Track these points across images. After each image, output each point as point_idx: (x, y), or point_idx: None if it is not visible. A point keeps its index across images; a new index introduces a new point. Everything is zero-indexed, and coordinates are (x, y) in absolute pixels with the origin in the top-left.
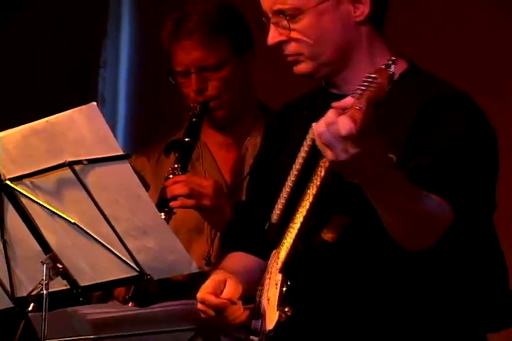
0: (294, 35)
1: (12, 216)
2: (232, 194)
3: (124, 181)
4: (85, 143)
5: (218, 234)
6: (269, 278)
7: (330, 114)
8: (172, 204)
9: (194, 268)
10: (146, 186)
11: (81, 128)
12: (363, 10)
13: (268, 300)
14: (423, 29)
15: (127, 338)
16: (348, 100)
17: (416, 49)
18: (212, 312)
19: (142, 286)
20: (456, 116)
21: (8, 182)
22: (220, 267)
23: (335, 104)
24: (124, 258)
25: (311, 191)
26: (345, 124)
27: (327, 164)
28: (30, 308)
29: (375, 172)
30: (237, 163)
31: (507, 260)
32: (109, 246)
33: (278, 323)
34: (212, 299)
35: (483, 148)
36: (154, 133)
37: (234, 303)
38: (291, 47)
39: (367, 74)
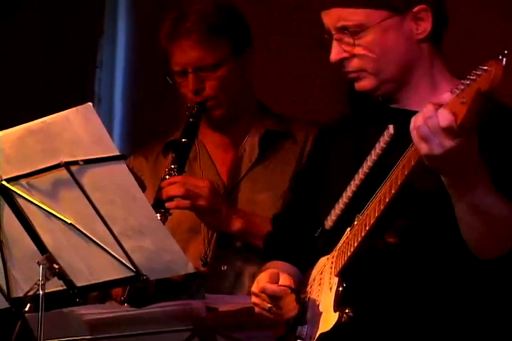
0: (357, 51)
1: (8, 216)
2: (229, 194)
3: (120, 181)
4: (81, 144)
5: (215, 234)
6: (320, 284)
7: (428, 108)
8: (168, 205)
9: (190, 268)
10: (143, 186)
11: (77, 129)
12: (425, 27)
13: (318, 305)
14: None
15: (124, 338)
16: (446, 96)
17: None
18: (267, 304)
19: (138, 288)
20: None
21: (4, 182)
22: (268, 267)
23: (432, 100)
24: (120, 259)
25: (389, 191)
26: (444, 117)
27: (411, 164)
28: (26, 309)
29: (465, 168)
30: (235, 163)
31: None
32: (106, 247)
33: (338, 324)
34: (274, 287)
35: None
36: (150, 134)
37: (293, 290)
38: (354, 64)
39: (478, 66)
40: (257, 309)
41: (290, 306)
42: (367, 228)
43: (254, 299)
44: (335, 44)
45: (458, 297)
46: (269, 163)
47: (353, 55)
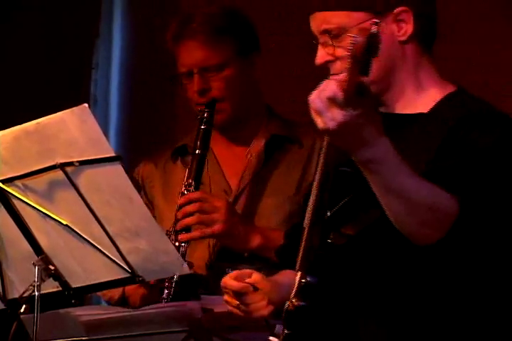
0: (338, 53)
1: (4, 218)
2: (236, 200)
3: (116, 182)
4: (77, 145)
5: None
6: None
7: (323, 83)
8: (180, 237)
9: (186, 269)
10: (138, 188)
11: (73, 130)
12: (407, 29)
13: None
14: None
15: (120, 340)
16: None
17: None
18: (235, 301)
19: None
20: (488, 128)
21: None
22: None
23: (333, 76)
24: (116, 260)
25: (316, 179)
26: (331, 87)
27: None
28: (22, 310)
29: (364, 142)
30: (242, 167)
31: None
32: (101, 248)
33: (285, 312)
34: (233, 283)
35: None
36: (146, 135)
37: (256, 289)
38: (337, 66)
39: (350, 36)
40: (228, 307)
41: (258, 304)
42: (307, 221)
43: (225, 297)
44: (319, 48)
45: (405, 285)
46: (275, 168)
47: (336, 58)
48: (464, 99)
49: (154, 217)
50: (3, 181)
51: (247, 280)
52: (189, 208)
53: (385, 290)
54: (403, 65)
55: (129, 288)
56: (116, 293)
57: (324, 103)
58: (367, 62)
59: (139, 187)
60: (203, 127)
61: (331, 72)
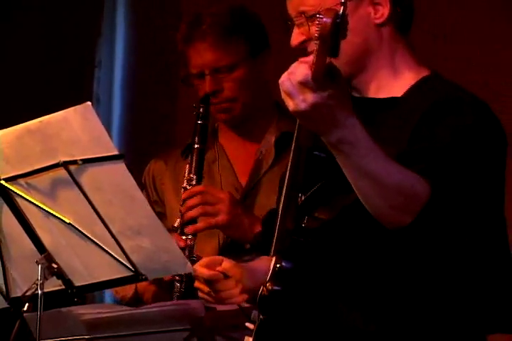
0: (312, 33)
1: (7, 216)
2: (246, 196)
3: (119, 181)
4: (80, 143)
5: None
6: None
7: (293, 65)
8: (186, 230)
9: (188, 268)
10: (141, 186)
11: (76, 129)
12: (383, 12)
13: None
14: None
15: (122, 338)
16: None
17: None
18: (206, 288)
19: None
20: (463, 112)
21: (2, 182)
22: (244, 263)
23: (301, 58)
24: (119, 259)
25: (289, 163)
26: (301, 71)
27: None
28: (25, 308)
29: (335, 123)
30: (252, 165)
31: None
32: (104, 246)
33: (259, 297)
34: (204, 270)
35: (486, 145)
36: (149, 133)
37: (227, 277)
38: (311, 47)
39: (316, 16)
40: (200, 294)
41: (231, 291)
42: (282, 204)
43: (196, 283)
44: (295, 29)
45: (378, 268)
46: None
47: (311, 38)
48: (437, 84)
49: (164, 214)
50: (7, 179)
51: (218, 268)
52: (192, 201)
53: (357, 274)
54: (379, 49)
55: (142, 286)
56: (129, 290)
57: (295, 85)
58: (335, 43)
59: (146, 185)
60: (199, 122)
61: (307, 53)
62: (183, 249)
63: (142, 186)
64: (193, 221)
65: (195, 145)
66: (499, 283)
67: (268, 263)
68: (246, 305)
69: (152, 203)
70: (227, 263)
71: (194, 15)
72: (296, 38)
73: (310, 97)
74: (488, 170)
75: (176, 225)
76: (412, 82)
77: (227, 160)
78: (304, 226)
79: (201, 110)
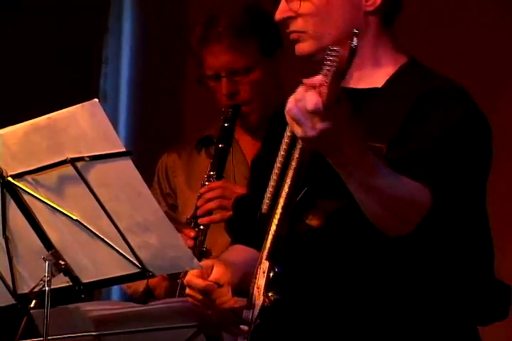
0: (302, 10)
1: (14, 213)
2: None
3: (126, 178)
4: (87, 140)
5: None
6: (261, 268)
7: (299, 90)
8: (200, 220)
9: (196, 264)
10: (148, 183)
11: (83, 125)
12: (375, 0)
13: (258, 289)
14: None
15: (129, 335)
16: (318, 77)
17: (413, 49)
18: (199, 296)
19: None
20: (450, 107)
21: (10, 178)
22: (220, 258)
23: (305, 80)
24: (126, 255)
25: (289, 174)
26: (312, 99)
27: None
28: (32, 305)
29: (342, 146)
30: None
31: (506, 257)
32: (111, 243)
33: (261, 308)
34: (198, 281)
35: (476, 140)
36: (156, 130)
37: (220, 286)
38: (297, 24)
39: (328, 47)
40: (190, 299)
41: (224, 298)
42: (280, 211)
43: (187, 290)
44: (282, 2)
45: (378, 279)
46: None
47: (298, 15)
48: (417, 72)
49: (176, 206)
50: (14, 176)
51: (210, 278)
52: (210, 194)
53: (352, 277)
54: (363, 37)
55: (153, 281)
56: (140, 285)
57: (304, 113)
58: (345, 71)
59: (159, 178)
60: (226, 125)
61: (289, 30)
62: (194, 238)
63: (150, 182)
64: (208, 214)
65: (220, 145)
66: (486, 277)
67: (245, 254)
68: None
69: (165, 195)
70: (217, 272)
71: (209, 16)
72: (283, 12)
73: (319, 124)
74: (479, 166)
75: (188, 217)
76: (391, 72)
77: (241, 154)
78: (297, 231)
79: (230, 114)
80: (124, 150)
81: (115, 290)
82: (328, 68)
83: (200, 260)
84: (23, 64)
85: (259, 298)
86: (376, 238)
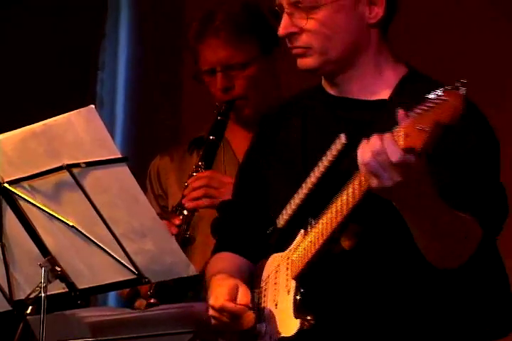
0: (308, 26)
1: (10, 219)
2: None
3: (122, 184)
4: (83, 146)
5: None
6: (276, 283)
7: (375, 142)
8: (187, 205)
9: (192, 270)
10: (144, 188)
11: (79, 131)
12: (378, 12)
13: (276, 304)
14: (419, 30)
15: None
16: (400, 117)
17: (413, 50)
18: (226, 319)
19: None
20: (465, 127)
21: (6, 185)
22: (220, 269)
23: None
24: (122, 261)
25: (344, 207)
26: (395, 153)
27: (363, 185)
28: (28, 311)
29: (416, 195)
30: None
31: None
32: (108, 249)
33: (300, 330)
34: (232, 306)
35: (493, 157)
36: (152, 136)
37: (251, 309)
38: (303, 39)
39: (433, 92)
40: (213, 321)
41: (249, 319)
42: (324, 237)
43: (211, 312)
44: (285, 17)
45: (416, 302)
46: None
47: (303, 31)
48: (419, 82)
49: (167, 208)
50: (10, 182)
51: (240, 301)
52: (196, 183)
53: (384, 302)
54: (366, 48)
55: None
56: None
57: (384, 167)
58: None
59: (151, 179)
60: (218, 118)
61: (293, 45)
62: (178, 226)
63: (145, 188)
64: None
65: (210, 137)
66: (497, 288)
67: (236, 261)
68: None
69: (157, 197)
70: (245, 293)
71: (207, 12)
72: (287, 27)
73: (397, 176)
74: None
75: (174, 205)
76: (393, 82)
77: (232, 153)
78: (332, 254)
79: (223, 108)
80: (120, 156)
81: (111, 296)
82: (424, 112)
83: (184, 246)
84: (20, 69)
85: (286, 317)
86: (405, 262)
